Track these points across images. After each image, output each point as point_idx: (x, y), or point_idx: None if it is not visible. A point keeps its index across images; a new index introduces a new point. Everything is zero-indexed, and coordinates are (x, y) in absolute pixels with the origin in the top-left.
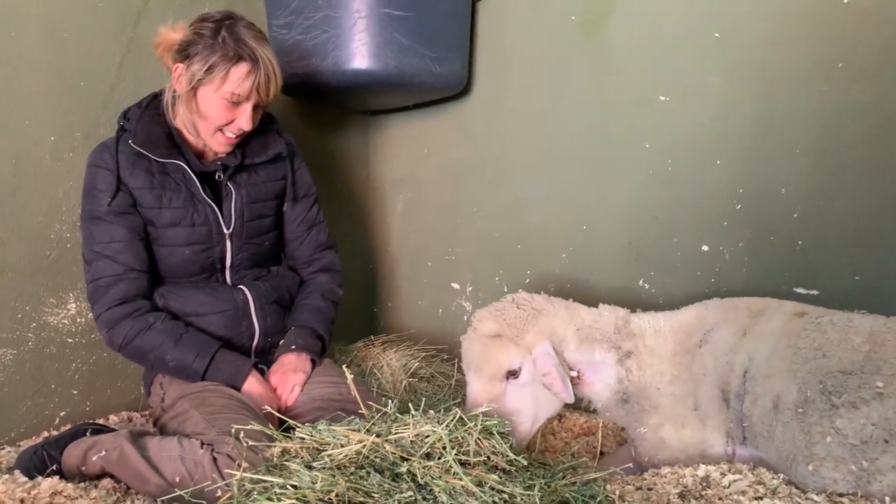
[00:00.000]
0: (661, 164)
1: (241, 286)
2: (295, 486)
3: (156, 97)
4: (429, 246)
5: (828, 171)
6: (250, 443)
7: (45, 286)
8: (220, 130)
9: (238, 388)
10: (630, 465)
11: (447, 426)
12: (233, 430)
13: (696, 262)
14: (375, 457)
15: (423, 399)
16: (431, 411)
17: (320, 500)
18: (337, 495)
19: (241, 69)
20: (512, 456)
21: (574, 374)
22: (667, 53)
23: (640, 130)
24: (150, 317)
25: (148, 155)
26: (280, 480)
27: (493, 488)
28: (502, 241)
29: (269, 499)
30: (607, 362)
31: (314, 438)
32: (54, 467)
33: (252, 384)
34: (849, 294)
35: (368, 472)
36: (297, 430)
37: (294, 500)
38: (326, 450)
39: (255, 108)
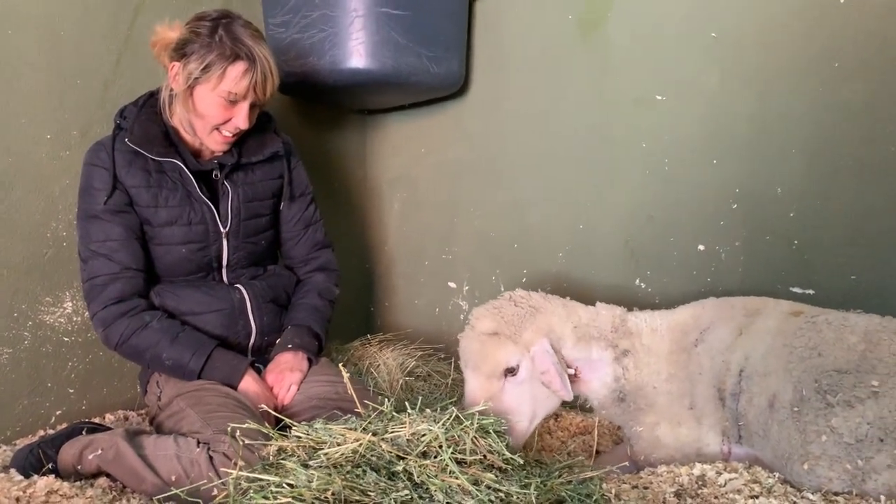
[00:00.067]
0: (658, 163)
1: (237, 285)
2: (291, 485)
3: (152, 95)
4: (425, 245)
5: (824, 171)
6: (246, 441)
7: (41, 284)
8: (217, 129)
9: (234, 387)
10: (626, 463)
11: (443, 425)
12: (229, 429)
13: (692, 261)
14: (372, 455)
15: (420, 398)
16: (428, 410)
17: (316, 498)
18: (333, 494)
19: (238, 68)
20: (508, 454)
21: (571, 371)
22: (664, 53)
23: (636, 130)
24: (147, 315)
25: (144, 153)
26: (276, 479)
27: (489, 487)
28: (499, 241)
29: (266, 497)
30: (604, 360)
31: (310, 437)
32: (50, 466)
33: (248, 383)
34: (845, 293)
35: (365, 471)
36: (294, 428)
37: (290, 499)
38: (323, 448)
39: (252, 106)
